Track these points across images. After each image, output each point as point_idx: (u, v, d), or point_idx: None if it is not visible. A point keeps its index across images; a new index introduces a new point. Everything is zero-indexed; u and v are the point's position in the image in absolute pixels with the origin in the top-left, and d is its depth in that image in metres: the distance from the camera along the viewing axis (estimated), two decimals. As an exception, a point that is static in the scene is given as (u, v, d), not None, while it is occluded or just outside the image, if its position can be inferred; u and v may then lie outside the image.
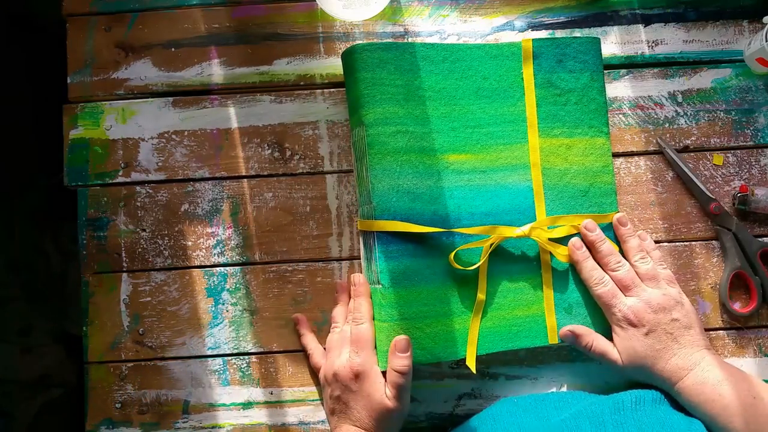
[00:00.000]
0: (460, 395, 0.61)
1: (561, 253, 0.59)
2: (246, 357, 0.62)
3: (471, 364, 0.57)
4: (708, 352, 0.55)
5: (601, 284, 0.57)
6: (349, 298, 0.60)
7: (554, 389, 0.61)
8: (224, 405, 0.61)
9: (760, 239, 0.62)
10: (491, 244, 0.57)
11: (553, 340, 0.59)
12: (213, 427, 0.61)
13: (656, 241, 0.63)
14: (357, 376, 0.54)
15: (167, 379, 0.62)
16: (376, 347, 0.56)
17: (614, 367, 0.57)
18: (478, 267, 0.58)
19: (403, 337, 0.55)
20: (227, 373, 0.62)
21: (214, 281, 0.62)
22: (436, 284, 0.58)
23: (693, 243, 0.63)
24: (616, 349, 0.57)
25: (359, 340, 0.56)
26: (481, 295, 0.58)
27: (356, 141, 0.60)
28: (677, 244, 0.63)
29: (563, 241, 0.60)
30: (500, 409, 0.57)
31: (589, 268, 0.58)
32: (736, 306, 0.62)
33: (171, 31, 0.65)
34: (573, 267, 0.60)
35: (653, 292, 0.56)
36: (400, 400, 0.53)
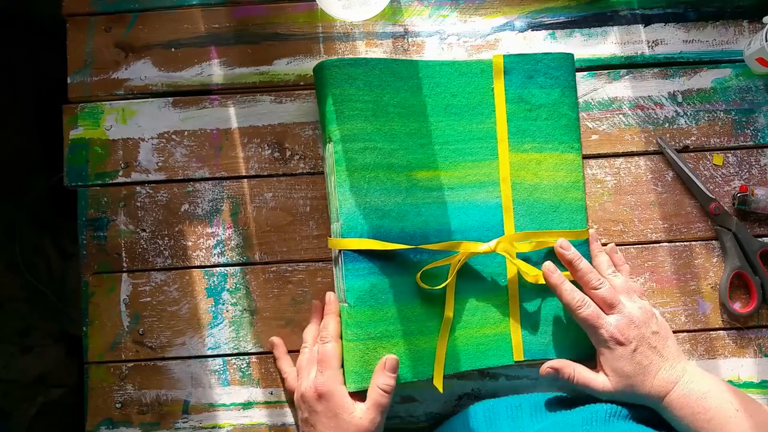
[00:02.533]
0: (460, 395, 0.61)
1: (529, 273, 0.58)
2: (246, 357, 0.62)
3: (438, 384, 0.56)
4: (687, 362, 0.55)
5: (584, 306, 0.55)
6: (322, 317, 0.59)
7: (555, 390, 0.61)
8: (224, 405, 0.61)
9: (760, 239, 0.62)
10: (458, 261, 0.57)
11: (518, 357, 0.59)
12: (213, 427, 0.61)
13: (656, 241, 0.63)
14: (321, 396, 0.52)
15: (167, 379, 0.62)
16: (343, 366, 0.55)
17: (600, 394, 0.55)
18: (446, 286, 0.57)
19: (393, 357, 0.54)
20: (227, 373, 0.62)
21: (214, 281, 0.62)
22: (403, 303, 0.57)
23: (693, 243, 0.63)
24: (601, 373, 0.55)
25: (324, 359, 0.54)
26: (448, 314, 0.57)
27: (326, 157, 0.60)
28: (677, 244, 0.63)
29: (532, 256, 0.60)
30: (475, 415, 0.57)
31: (569, 290, 0.56)
32: (736, 306, 0.62)
33: (171, 31, 0.65)
34: (540, 285, 0.59)
35: (632, 306, 0.55)
36: (376, 420, 0.52)
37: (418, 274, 0.57)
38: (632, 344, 0.54)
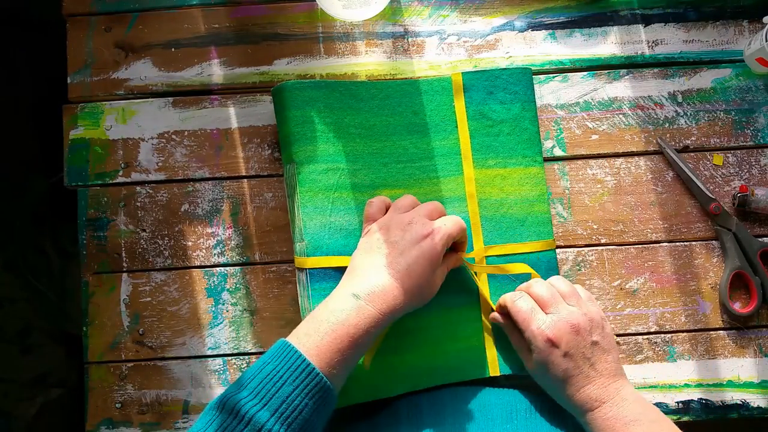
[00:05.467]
0: (460, 395, 0.61)
1: (487, 297, 0.58)
2: (246, 357, 0.62)
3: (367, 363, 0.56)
4: (624, 382, 0.52)
5: (520, 299, 0.54)
6: None
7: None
8: (224, 405, 0.61)
9: (760, 239, 0.62)
10: None
11: (494, 372, 0.58)
12: (213, 427, 0.61)
13: (656, 241, 0.63)
14: (430, 234, 0.51)
15: (167, 379, 0.62)
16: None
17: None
18: None
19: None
20: (227, 373, 0.62)
21: (214, 281, 0.62)
22: None
23: (693, 243, 0.63)
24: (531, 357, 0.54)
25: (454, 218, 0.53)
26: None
27: (288, 178, 0.60)
28: (677, 244, 0.63)
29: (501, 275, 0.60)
30: (397, 411, 0.55)
31: (509, 293, 0.56)
32: (736, 306, 0.62)
33: (171, 31, 0.65)
34: None
35: (573, 311, 0.52)
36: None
37: None
38: (562, 348, 0.51)
